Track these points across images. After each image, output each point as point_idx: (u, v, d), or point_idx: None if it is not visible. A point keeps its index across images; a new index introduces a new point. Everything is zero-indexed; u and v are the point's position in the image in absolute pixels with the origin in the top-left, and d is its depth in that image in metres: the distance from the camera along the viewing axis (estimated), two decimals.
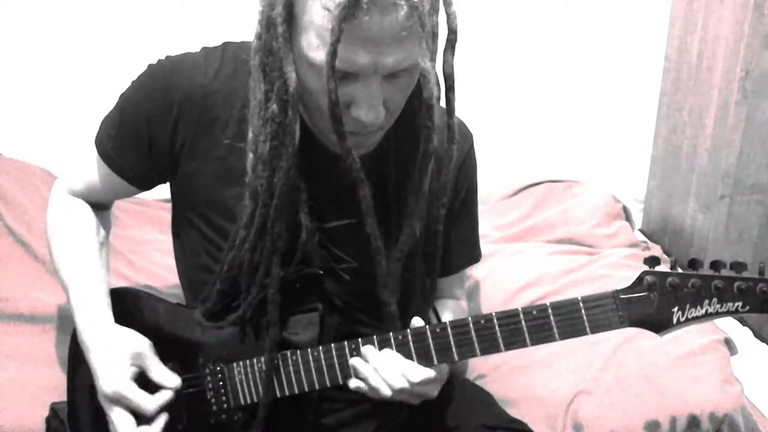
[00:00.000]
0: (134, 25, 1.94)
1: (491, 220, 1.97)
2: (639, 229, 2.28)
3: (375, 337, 0.98)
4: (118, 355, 1.02)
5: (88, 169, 1.11)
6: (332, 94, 0.83)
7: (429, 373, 0.96)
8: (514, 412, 1.22)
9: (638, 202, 2.35)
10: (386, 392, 0.95)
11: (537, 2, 2.09)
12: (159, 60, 1.04)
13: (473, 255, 1.23)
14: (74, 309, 1.06)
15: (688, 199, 2.09)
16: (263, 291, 0.99)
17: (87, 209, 1.14)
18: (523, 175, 2.15)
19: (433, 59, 0.86)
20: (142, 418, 1.02)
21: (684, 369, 1.33)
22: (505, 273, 1.69)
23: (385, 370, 0.95)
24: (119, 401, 1.01)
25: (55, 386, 1.23)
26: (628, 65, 2.16)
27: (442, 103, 0.97)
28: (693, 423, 1.22)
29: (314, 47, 0.83)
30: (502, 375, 1.38)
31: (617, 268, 1.70)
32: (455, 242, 1.16)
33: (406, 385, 0.95)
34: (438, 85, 0.94)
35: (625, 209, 2.06)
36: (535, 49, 2.12)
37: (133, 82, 1.05)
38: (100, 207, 1.17)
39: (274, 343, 1.00)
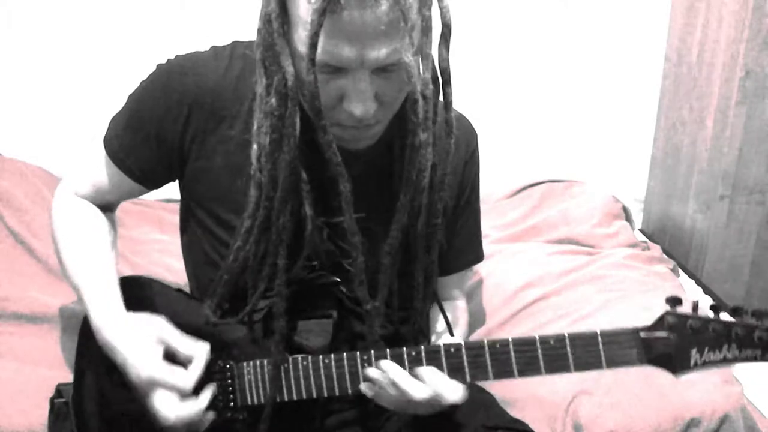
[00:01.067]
0: (133, 24, 1.94)
1: (491, 220, 1.96)
2: (639, 229, 2.27)
3: (388, 351, 0.97)
4: (143, 342, 0.99)
5: (95, 169, 1.11)
6: (311, 86, 0.83)
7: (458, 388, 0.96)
8: (514, 412, 1.21)
9: (638, 202, 2.35)
10: (415, 393, 0.94)
11: (537, 2, 2.09)
12: (168, 59, 1.04)
13: (475, 255, 1.22)
14: (90, 309, 1.03)
15: (688, 199, 2.09)
16: (270, 286, 0.99)
17: (96, 210, 1.13)
18: (523, 175, 2.15)
19: (418, 53, 0.86)
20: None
21: None
22: (505, 273, 1.68)
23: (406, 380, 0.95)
24: (157, 385, 0.97)
25: (54, 386, 1.23)
26: (628, 65, 2.16)
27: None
28: (693, 423, 1.22)
29: (303, 41, 0.84)
30: None
31: (617, 268, 1.70)
32: (457, 240, 1.16)
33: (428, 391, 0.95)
34: (436, 79, 0.94)
35: (625, 209, 2.06)
36: (535, 49, 2.12)
37: (142, 81, 1.05)
38: (106, 209, 1.16)
39: (282, 335, 0.99)
